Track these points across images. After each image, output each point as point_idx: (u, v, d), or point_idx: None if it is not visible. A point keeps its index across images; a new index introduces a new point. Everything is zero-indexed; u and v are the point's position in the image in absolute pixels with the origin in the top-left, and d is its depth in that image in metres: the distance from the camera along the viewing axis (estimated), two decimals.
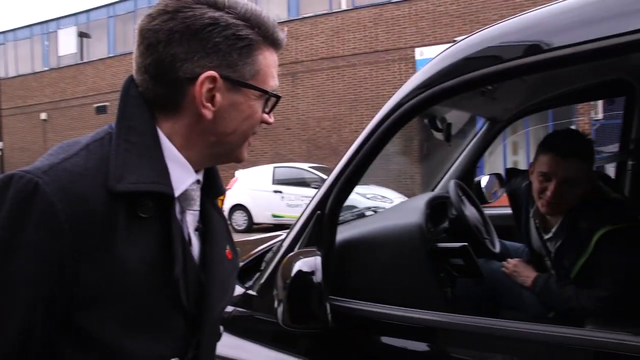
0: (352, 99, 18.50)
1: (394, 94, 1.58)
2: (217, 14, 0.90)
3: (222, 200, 14.47)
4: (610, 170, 3.09)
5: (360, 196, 10.96)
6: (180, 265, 0.90)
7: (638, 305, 1.13)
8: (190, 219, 1.00)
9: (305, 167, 14.02)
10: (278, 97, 1.01)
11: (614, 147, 3.49)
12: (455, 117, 2.65)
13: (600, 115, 15.98)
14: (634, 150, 2.75)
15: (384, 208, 2.70)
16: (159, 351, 0.91)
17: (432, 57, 1.58)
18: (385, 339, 1.54)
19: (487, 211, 2.77)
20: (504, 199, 2.70)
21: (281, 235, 2.80)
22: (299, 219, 1.69)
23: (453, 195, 2.27)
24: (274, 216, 13.58)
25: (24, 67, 27.90)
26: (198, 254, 1.01)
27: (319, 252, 1.44)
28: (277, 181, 13.83)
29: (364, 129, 1.60)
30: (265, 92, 0.98)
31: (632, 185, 2.75)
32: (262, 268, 1.81)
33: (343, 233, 1.86)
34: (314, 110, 19.27)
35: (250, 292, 1.77)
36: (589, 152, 1.98)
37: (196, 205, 1.01)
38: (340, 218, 2.24)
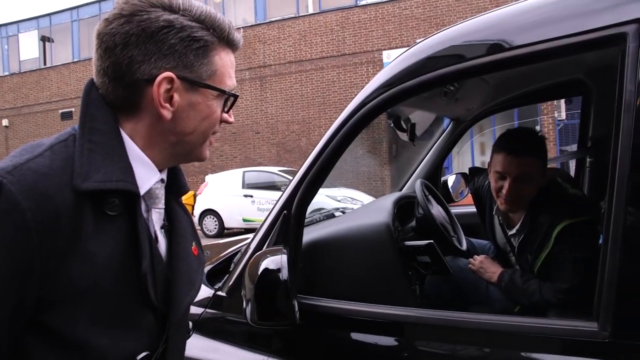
0: (321, 102, 18.56)
1: None
2: (172, 16, 0.92)
3: (193, 206, 14.34)
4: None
5: (331, 199, 10.99)
6: (148, 261, 0.92)
7: (595, 296, 1.18)
8: (156, 217, 1.02)
9: (275, 171, 13.99)
10: (236, 97, 1.04)
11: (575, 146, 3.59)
12: (420, 117, 2.70)
13: (563, 115, 16.38)
14: (591, 148, 2.84)
15: (352, 209, 2.72)
16: (129, 347, 0.93)
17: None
18: (355, 335, 1.55)
19: (454, 210, 2.82)
20: (470, 197, 2.75)
21: (250, 237, 2.81)
22: (265, 219, 1.70)
23: (419, 195, 2.30)
24: (245, 220, 13.51)
25: None
26: (165, 250, 1.03)
27: (284, 251, 1.45)
28: (247, 185, 13.76)
29: None
30: (222, 91, 1.00)
31: (590, 181, 2.84)
32: (231, 269, 1.81)
33: (312, 233, 1.87)
34: (283, 114, 19.26)
35: (220, 293, 1.77)
36: (541, 149, 2.04)
37: (161, 204, 1.03)
38: (310, 219, 2.26)
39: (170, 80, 0.93)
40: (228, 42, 1.01)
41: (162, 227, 1.03)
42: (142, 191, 0.96)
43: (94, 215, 0.87)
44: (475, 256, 2.32)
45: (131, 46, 0.91)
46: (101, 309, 0.88)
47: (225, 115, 1.05)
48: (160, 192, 1.03)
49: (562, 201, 1.99)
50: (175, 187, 1.11)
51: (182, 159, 1.06)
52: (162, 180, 1.03)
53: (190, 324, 1.24)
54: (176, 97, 0.94)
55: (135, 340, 0.94)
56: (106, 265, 0.87)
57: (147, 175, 0.98)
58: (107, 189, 0.87)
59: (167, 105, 0.94)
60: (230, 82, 1.02)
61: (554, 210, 1.96)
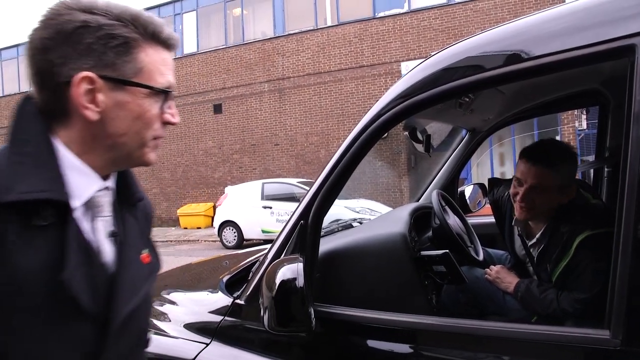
0: (339, 113, 18.60)
1: None
2: (88, 16, 0.91)
3: (212, 218, 14.37)
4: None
5: (349, 210, 11.00)
6: (73, 269, 0.89)
7: (607, 304, 1.19)
8: (102, 225, 1.00)
9: (294, 183, 14.05)
10: (166, 93, 1.00)
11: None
12: (436, 128, 2.72)
13: (584, 125, 16.20)
14: (609, 157, 2.83)
15: (369, 220, 2.74)
16: (58, 355, 0.91)
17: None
18: (371, 342, 1.57)
19: (472, 220, 2.82)
20: (488, 207, 2.76)
21: (268, 247, 2.84)
22: (283, 229, 1.73)
23: (436, 205, 2.32)
24: (264, 232, 13.57)
25: None
26: (112, 259, 1.01)
27: (301, 259, 1.48)
28: (266, 197, 13.83)
29: None
30: (150, 88, 0.97)
31: (608, 191, 2.83)
32: (249, 278, 1.85)
33: (330, 243, 1.90)
34: (301, 126, 19.34)
35: (238, 301, 1.81)
36: (563, 164, 2.01)
37: (106, 212, 1.01)
38: (328, 229, 2.29)
39: (90, 81, 0.91)
40: (155, 39, 0.98)
41: (110, 235, 1.02)
42: (81, 200, 0.95)
43: (22, 226, 0.86)
44: (492, 266, 2.32)
45: (49, 50, 0.91)
46: (31, 320, 0.87)
47: (166, 116, 1.02)
48: (104, 200, 1.01)
49: (583, 211, 1.98)
50: (126, 194, 1.09)
51: (124, 163, 1.04)
52: (107, 188, 1.01)
53: (150, 335, 1.23)
54: (100, 97, 0.93)
55: (69, 351, 0.92)
56: (35, 277, 0.86)
57: (85, 184, 0.96)
58: (31, 200, 0.86)
59: (91, 106, 0.92)
60: (162, 80, 0.99)
61: (576, 220, 1.95)
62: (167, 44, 1.01)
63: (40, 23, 0.92)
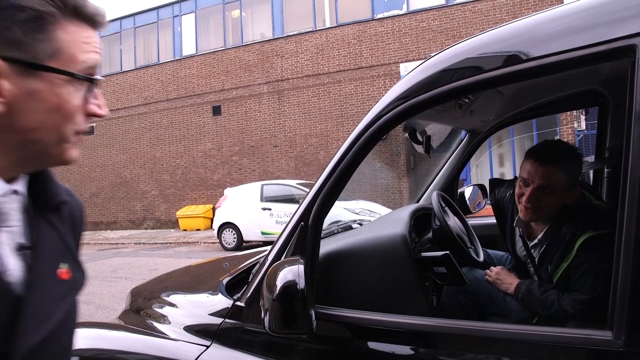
0: (339, 115, 18.62)
1: None
2: None
3: (211, 220, 14.32)
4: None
5: (349, 211, 11.02)
6: None
7: (609, 305, 1.19)
8: (6, 238, 0.82)
9: (293, 184, 14.06)
10: (91, 80, 0.84)
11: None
12: (436, 129, 2.72)
13: (583, 126, 16.22)
14: (609, 158, 2.83)
15: (369, 221, 2.74)
16: None
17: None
18: (371, 344, 1.57)
19: (471, 221, 2.82)
20: (488, 208, 2.76)
21: (268, 249, 2.84)
22: (283, 231, 1.73)
23: (435, 206, 2.32)
24: (264, 233, 13.57)
25: None
26: (20, 277, 0.82)
27: (302, 261, 1.48)
28: (265, 198, 13.84)
29: None
30: (70, 74, 0.80)
31: (608, 191, 2.83)
32: (250, 280, 1.84)
33: (330, 245, 1.90)
34: (300, 127, 19.36)
35: (238, 303, 1.81)
36: (570, 165, 2.02)
37: (12, 221, 0.83)
38: (328, 231, 2.29)
39: None
40: (78, 14, 0.81)
41: (18, 249, 0.83)
42: None
43: None
44: (492, 267, 2.32)
45: None
46: None
47: (91, 107, 0.85)
48: (10, 207, 0.83)
49: (585, 212, 1.97)
50: (42, 198, 0.90)
51: (37, 163, 0.86)
52: (14, 192, 0.84)
53: None
54: (5, 84, 0.75)
55: None
56: None
57: None
58: None
59: None
60: (85, 64, 0.82)
61: (578, 221, 1.94)
62: (92, 20, 0.83)
63: None
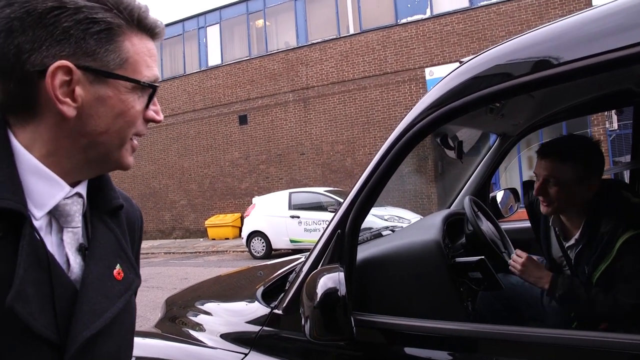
0: (364, 121, 18.61)
1: (405, 114, 1.63)
2: None
3: (240, 228, 14.38)
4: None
5: (378, 218, 10.98)
6: (21, 290, 0.77)
7: None
8: (70, 238, 0.88)
9: (321, 192, 14.06)
10: (154, 87, 0.90)
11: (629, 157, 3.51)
12: (466, 134, 2.71)
13: (615, 126, 15.91)
14: None
15: (401, 227, 2.74)
16: None
17: (442, 77, 1.63)
18: (408, 349, 1.57)
19: (504, 226, 2.80)
20: (520, 213, 2.73)
21: (301, 258, 2.86)
22: (320, 239, 1.75)
23: (468, 211, 2.31)
24: (292, 241, 13.61)
25: None
26: (80, 274, 0.89)
27: (341, 268, 1.50)
28: (293, 206, 13.88)
29: (377, 150, 1.66)
30: (136, 82, 0.86)
31: None
32: (287, 288, 1.86)
33: (364, 252, 1.91)
34: (327, 135, 19.40)
35: (276, 311, 1.83)
36: (578, 155, 2.00)
37: (75, 222, 0.89)
38: (360, 238, 2.30)
39: (67, 71, 0.80)
40: (141, 26, 0.88)
41: (79, 249, 0.90)
42: (45, 209, 0.84)
43: None
44: (515, 253, 2.21)
45: (16, 32, 0.78)
46: None
47: (150, 113, 0.92)
48: (73, 209, 0.88)
49: (625, 211, 1.92)
50: (100, 202, 0.97)
51: (99, 166, 0.92)
52: (78, 195, 0.90)
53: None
54: (79, 90, 0.81)
55: None
56: None
57: (49, 190, 0.84)
58: None
59: (68, 100, 0.81)
60: (148, 73, 0.88)
61: (617, 220, 1.89)
62: (153, 32, 0.90)
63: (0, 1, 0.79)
